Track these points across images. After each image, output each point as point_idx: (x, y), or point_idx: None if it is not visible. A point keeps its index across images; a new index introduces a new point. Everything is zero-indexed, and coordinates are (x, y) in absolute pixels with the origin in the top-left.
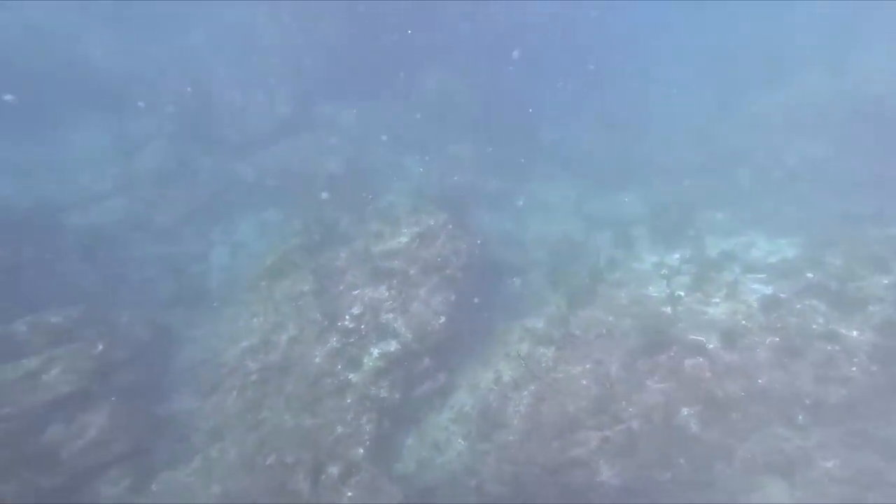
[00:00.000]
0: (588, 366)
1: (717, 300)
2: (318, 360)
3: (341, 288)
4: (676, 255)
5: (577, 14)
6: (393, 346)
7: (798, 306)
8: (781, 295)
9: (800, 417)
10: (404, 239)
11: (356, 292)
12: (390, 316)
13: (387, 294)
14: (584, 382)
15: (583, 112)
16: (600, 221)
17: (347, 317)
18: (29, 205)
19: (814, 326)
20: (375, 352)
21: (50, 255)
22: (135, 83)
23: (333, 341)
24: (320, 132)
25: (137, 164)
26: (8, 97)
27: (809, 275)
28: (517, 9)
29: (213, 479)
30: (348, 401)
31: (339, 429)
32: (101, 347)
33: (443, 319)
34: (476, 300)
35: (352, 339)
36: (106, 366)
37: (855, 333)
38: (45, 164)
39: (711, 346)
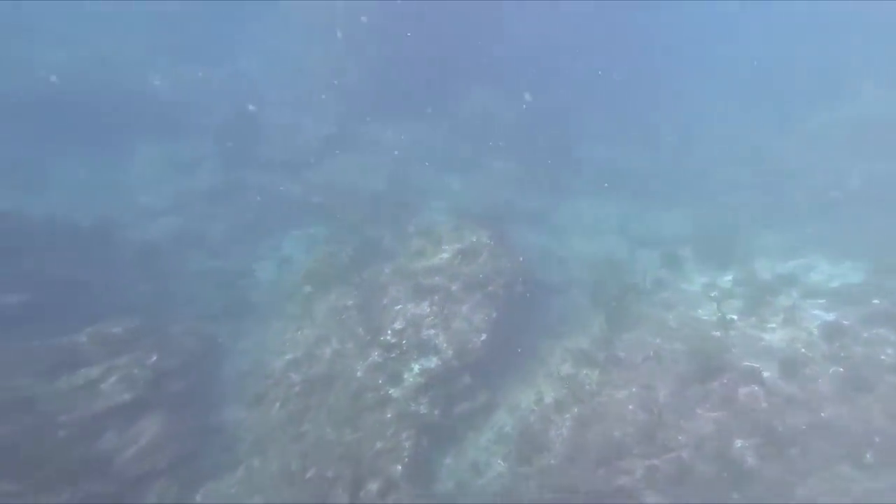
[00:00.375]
0: (634, 390)
1: (774, 326)
2: (359, 374)
3: (384, 303)
4: (728, 277)
5: (618, 22)
6: (434, 362)
7: (864, 335)
8: (845, 322)
9: (868, 456)
10: (446, 255)
11: (398, 307)
12: (431, 332)
13: (428, 310)
14: (631, 407)
15: (628, 128)
16: (646, 240)
17: (389, 332)
18: (93, 222)
19: (882, 357)
20: (416, 367)
21: (110, 269)
22: (188, 108)
23: (375, 355)
24: (364, 151)
25: (191, 184)
26: (53, 78)
27: (876, 301)
28: (555, 25)
29: (255, 490)
30: (388, 416)
31: (379, 444)
32: (154, 358)
33: (484, 337)
34: (517, 318)
35: (393, 354)
36: (159, 375)
37: None
38: (109, 184)
39: (768, 374)
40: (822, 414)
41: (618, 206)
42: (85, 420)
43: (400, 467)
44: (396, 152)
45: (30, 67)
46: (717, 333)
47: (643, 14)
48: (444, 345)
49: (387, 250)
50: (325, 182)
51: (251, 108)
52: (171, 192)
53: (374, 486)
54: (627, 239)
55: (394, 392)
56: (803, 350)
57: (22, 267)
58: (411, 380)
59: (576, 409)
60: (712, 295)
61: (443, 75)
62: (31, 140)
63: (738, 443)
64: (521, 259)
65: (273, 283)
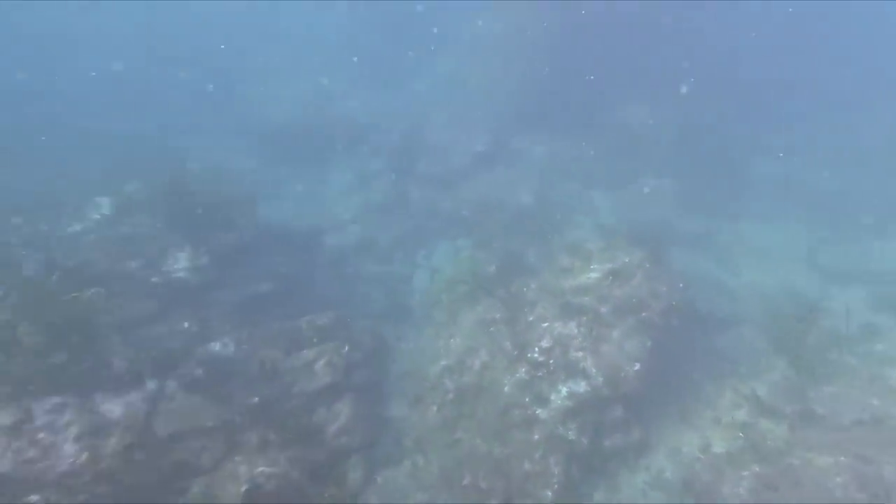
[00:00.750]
0: (844, 459)
1: None
2: (507, 388)
3: (531, 319)
4: None
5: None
6: (582, 386)
7: None
8: None
9: None
10: (595, 275)
11: (545, 325)
12: (580, 354)
13: (576, 331)
14: (839, 480)
15: (817, 141)
16: (844, 275)
17: (536, 349)
18: (303, 228)
19: None
20: (564, 390)
21: (314, 268)
22: (376, 129)
23: (522, 372)
24: (513, 166)
25: (368, 197)
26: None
27: None
28: (719, 33)
29: (419, 487)
30: (536, 437)
31: (527, 465)
32: (346, 349)
33: (637, 367)
34: (676, 350)
35: (540, 373)
36: (349, 365)
37: None
38: (314, 195)
39: None
40: None
41: (802, 230)
42: (307, 394)
43: (550, 493)
44: (544, 167)
45: (279, 100)
46: None
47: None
48: (594, 370)
49: (531, 266)
50: (474, 196)
51: (414, 127)
52: (355, 203)
53: None
54: (818, 271)
55: (541, 413)
56: None
57: (264, 263)
58: (559, 402)
59: (757, 468)
60: None
61: (593, 89)
62: (276, 160)
63: None
64: (680, 285)
65: (424, 291)
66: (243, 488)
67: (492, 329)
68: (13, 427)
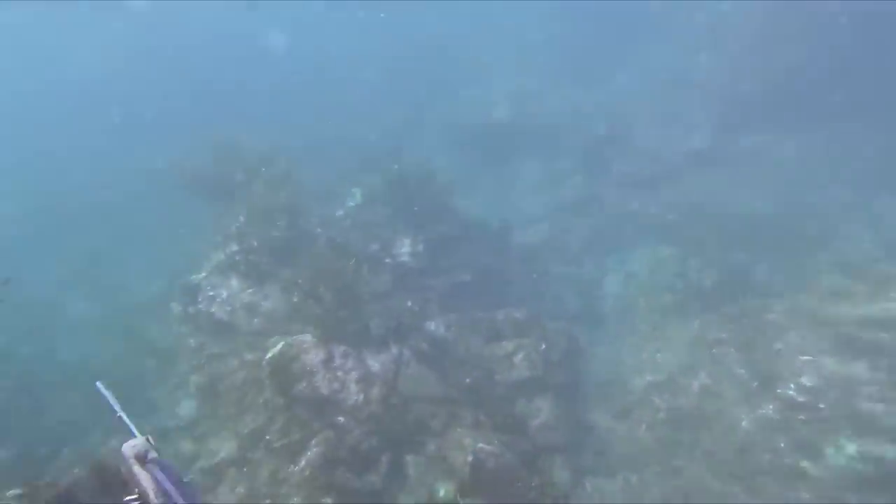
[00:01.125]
0: None
1: None
2: (745, 424)
3: (779, 347)
4: None
5: None
6: (886, 450)
7: None
8: None
9: None
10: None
11: (805, 359)
12: (878, 407)
13: (868, 375)
14: None
15: None
16: None
17: (793, 386)
18: (498, 224)
19: None
20: (850, 447)
21: (506, 263)
22: (568, 128)
23: (770, 409)
24: (742, 166)
25: (559, 196)
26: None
27: None
28: None
29: None
30: (805, 496)
31: None
32: (543, 346)
33: None
34: None
35: (801, 416)
36: (547, 363)
37: None
38: (506, 192)
39: None
40: None
41: None
42: (507, 384)
43: None
44: (789, 168)
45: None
46: None
47: None
48: None
49: (765, 283)
50: (683, 199)
51: (616, 123)
52: (545, 202)
53: None
54: None
55: (809, 466)
56: None
57: (465, 255)
58: (842, 461)
59: None
60: None
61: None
62: (474, 157)
63: None
64: None
65: (619, 297)
66: (469, 458)
67: (714, 350)
68: (325, 362)
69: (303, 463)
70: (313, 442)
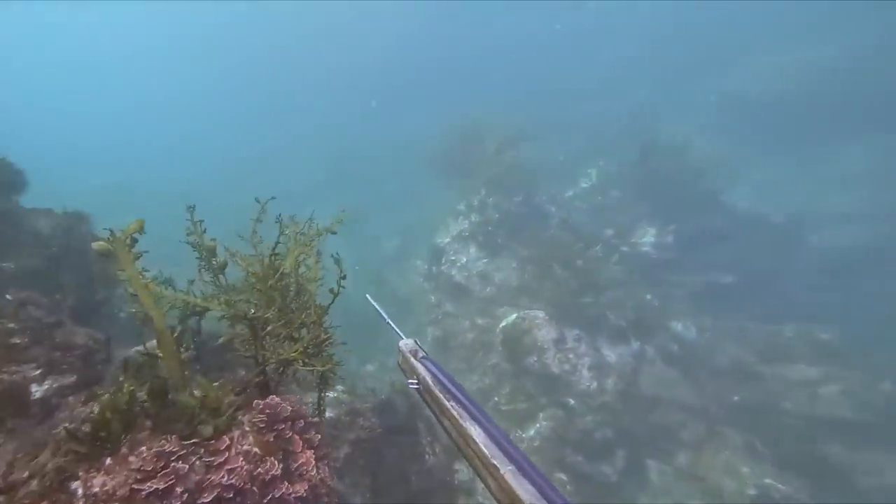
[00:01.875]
0: None
1: None
2: None
3: None
4: None
5: None
6: None
7: None
8: None
9: None
10: None
11: None
12: None
13: None
14: None
15: None
16: None
17: None
18: (784, 219)
19: None
20: None
21: (797, 267)
22: None
23: None
24: None
25: (890, 191)
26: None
27: None
28: None
29: None
30: None
31: None
32: (887, 384)
33: None
34: None
35: None
36: (876, 406)
37: None
38: (797, 180)
39: None
40: None
41: None
42: (806, 418)
43: None
44: None
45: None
46: None
47: None
48: None
49: None
50: None
51: None
52: (866, 196)
53: None
54: None
55: None
56: None
57: (730, 252)
58: None
59: None
60: None
61: None
62: (753, 138)
63: None
64: None
65: None
66: (750, 491)
67: None
68: (557, 342)
69: (532, 432)
70: (541, 415)
